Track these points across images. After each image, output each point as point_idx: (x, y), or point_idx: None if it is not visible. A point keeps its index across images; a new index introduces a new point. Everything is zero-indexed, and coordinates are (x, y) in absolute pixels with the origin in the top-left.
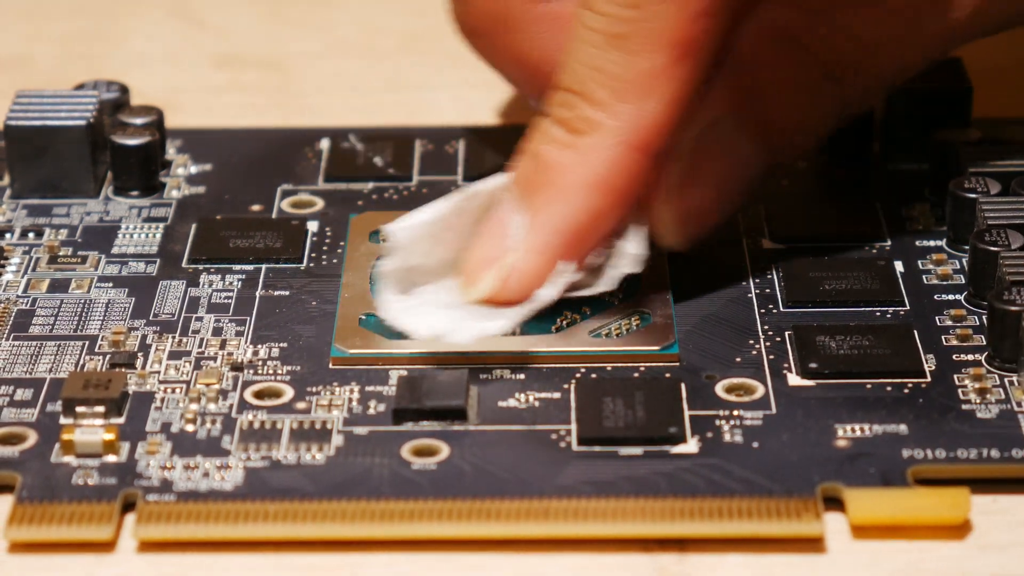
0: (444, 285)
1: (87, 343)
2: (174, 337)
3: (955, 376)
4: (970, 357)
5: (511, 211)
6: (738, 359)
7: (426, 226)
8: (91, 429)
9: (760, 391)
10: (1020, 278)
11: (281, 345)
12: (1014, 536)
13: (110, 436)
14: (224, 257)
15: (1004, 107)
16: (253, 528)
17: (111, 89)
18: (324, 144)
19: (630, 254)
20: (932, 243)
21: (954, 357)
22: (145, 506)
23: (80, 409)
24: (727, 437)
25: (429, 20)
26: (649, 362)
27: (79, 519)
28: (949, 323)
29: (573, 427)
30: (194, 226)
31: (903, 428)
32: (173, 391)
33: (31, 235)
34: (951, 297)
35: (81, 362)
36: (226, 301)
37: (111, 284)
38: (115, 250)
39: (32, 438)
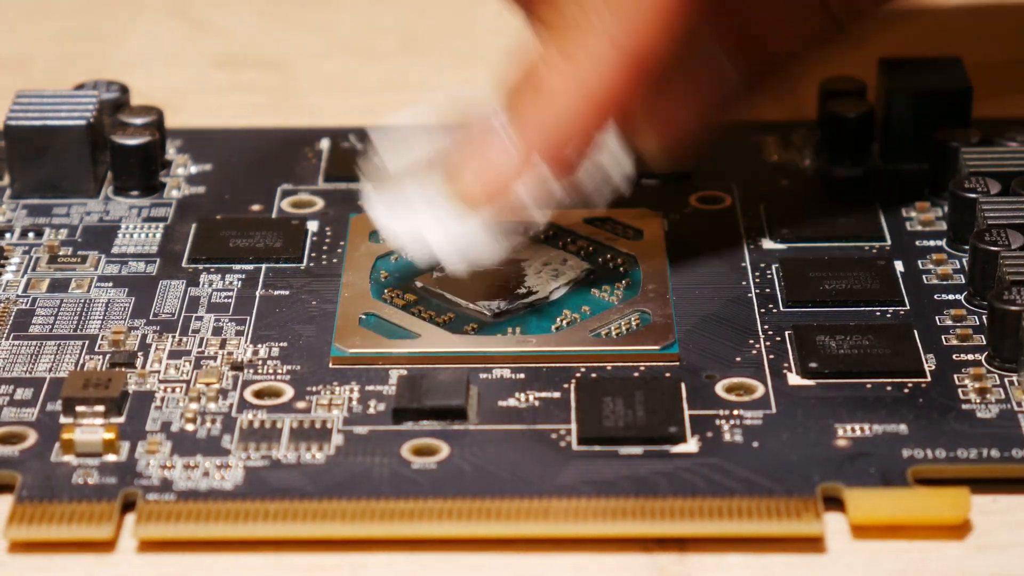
0: (428, 182)
1: (87, 343)
2: (174, 337)
3: (955, 376)
4: (970, 357)
5: (496, 112)
6: (738, 359)
7: (411, 129)
8: (91, 428)
9: (760, 391)
10: (1020, 278)
11: (281, 345)
12: (1014, 536)
13: (110, 435)
14: (224, 257)
15: (1004, 107)
16: (253, 528)
17: (111, 89)
18: (324, 144)
19: (617, 172)
20: (932, 243)
21: (954, 357)
22: (145, 505)
23: (80, 408)
24: (727, 437)
25: (429, 20)
26: (649, 362)
27: (79, 518)
28: (949, 323)
29: (573, 427)
30: (194, 226)
31: (903, 428)
32: (173, 390)
33: (31, 235)
34: (951, 297)
35: (81, 361)
36: (226, 301)
37: (111, 284)
38: (115, 250)
39: (32, 437)
